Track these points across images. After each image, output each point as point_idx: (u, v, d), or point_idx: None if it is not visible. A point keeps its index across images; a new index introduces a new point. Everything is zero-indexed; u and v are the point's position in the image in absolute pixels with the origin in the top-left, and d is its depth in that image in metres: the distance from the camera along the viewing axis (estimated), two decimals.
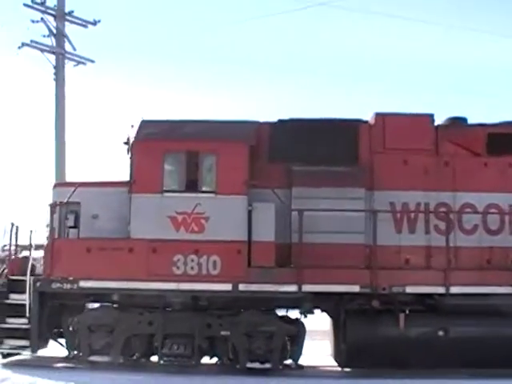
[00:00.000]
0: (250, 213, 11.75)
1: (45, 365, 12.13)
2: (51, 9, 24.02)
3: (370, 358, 11.69)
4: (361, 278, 11.64)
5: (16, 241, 12.72)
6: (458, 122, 12.77)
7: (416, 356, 11.52)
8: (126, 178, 12.21)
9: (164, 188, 11.91)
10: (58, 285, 11.75)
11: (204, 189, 11.94)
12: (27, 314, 11.76)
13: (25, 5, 23.49)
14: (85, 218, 12.21)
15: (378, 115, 12.59)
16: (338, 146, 12.29)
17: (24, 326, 11.84)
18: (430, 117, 12.61)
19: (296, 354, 12.08)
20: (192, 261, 11.66)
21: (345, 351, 11.89)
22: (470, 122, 12.97)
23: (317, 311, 12.56)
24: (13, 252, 12.64)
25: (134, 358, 12.13)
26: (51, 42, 24.05)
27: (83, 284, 11.71)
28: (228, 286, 11.60)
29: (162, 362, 11.86)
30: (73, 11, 24.58)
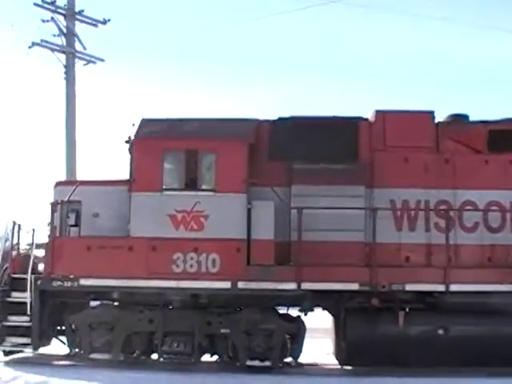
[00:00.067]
0: (249, 211, 11.76)
1: (47, 362, 12.21)
2: (61, 8, 24.20)
3: (369, 356, 11.67)
4: (360, 275, 11.60)
5: (18, 239, 12.80)
6: (459, 119, 12.69)
7: (415, 354, 11.48)
8: (127, 176, 12.27)
9: (163, 186, 11.95)
10: (59, 283, 11.83)
11: (203, 187, 11.96)
12: (28, 312, 11.84)
13: (35, 4, 23.71)
14: (86, 217, 12.28)
15: (378, 113, 12.55)
16: (337, 143, 12.25)
17: (25, 324, 11.93)
18: (431, 114, 12.55)
19: (296, 352, 12.10)
20: (191, 259, 11.69)
21: (345, 349, 11.88)
22: (474, 118, 12.92)
23: (318, 309, 12.58)
24: (15, 250, 12.70)
25: (135, 355, 12.17)
26: (61, 41, 24.25)
27: (84, 282, 11.77)
28: (227, 284, 11.62)
29: (161, 359, 11.91)
30: (83, 10, 24.78)
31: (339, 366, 12.42)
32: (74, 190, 12.08)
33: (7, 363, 12.03)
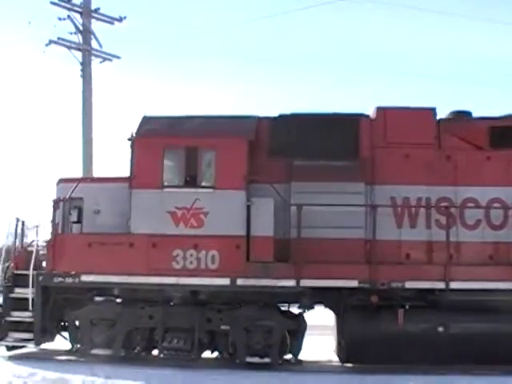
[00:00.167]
0: (248, 208, 11.77)
1: (48, 357, 12.32)
2: (78, 6, 24.34)
3: (368, 354, 11.63)
4: (360, 273, 11.57)
5: (22, 236, 12.95)
6: (461, 116, 12.59)
7: (415, 352, 11.41)
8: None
9: (164, 183, 12.01)
10: (60, 279, 11.95)
11: (203, 184, 12.01)
12: (30, 308, 11.97)
13: (51, 2, 23.86)
14: (87, 214, 12.39)
15: (379, 109, 12.50)
16: (338, 140, 12.21)
17: (28, 320, 12.07)
18: (432, 110, 12.46)
19: (296, 349, 12.09)
20: (191, 255, 11.74)
21: (344, 346, 11.85)
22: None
23: (319, 307, 12.57)
24: (18, 247, 12.85)
25: (136, 351, 12.25)
26: (78, 39, 24.40)
27: (85, 278, 11.88)
28: (226, 281, 11.64)
29: (161, 355, 11.97)
30: (99, 8, 24.90)
31: (340, 364, 12.38)
32: (75, 188, 12.18)
33: (21, 359, 12.09)
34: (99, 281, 11.89)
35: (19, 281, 12.32)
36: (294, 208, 11.75)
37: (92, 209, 12.37)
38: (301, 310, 12.48)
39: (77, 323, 12.22)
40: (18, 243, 12.93)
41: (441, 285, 11.49)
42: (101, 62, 25.07)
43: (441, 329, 11.49)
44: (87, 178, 12.69)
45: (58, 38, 24.01)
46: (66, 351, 12.52)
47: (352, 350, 11.76)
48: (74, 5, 24.28)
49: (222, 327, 11.89)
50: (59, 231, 12.36)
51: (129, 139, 12.70)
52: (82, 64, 24.38)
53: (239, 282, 11.63)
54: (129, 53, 50.28)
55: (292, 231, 11.79)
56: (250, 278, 11.61)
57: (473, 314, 11.41)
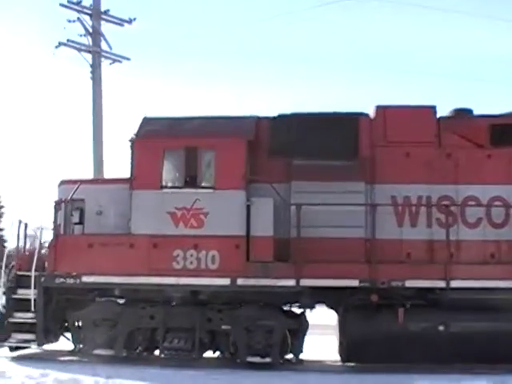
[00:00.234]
0: (248, 208, 11.79)
1: (51, 358, 12.40)
2: (87, 8, 24.42)
3: (369, 353, 11.60)
4: (360, 272, 11.55)
5: (25, 237, 13.05)
6: (461, 114, 12.52)
7: (416, 351, 11.37)
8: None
9: (164, 184, 12.07)
10: (62, 280, 12.04)
11: (203, 184, 12.04)
12: (32, 309, 12.05)
13: (61, 5, 23.98)
14: (89, 215, 12.48)
15: (379, 108, 12.47)
16: (338, 139, 12.19)
17: (30, 321, 12.15)
18: (432, 108, 12.41)
19: (297, 349, 12.08)
20: (191, 256, 11.78)
21: (345, 346, 11.83)
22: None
23: (321, 306, 12.57)
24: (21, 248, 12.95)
25: (137, 351, 12.31)
26: (87, 41, 24.49)
27: (86, 279, 11.95)
28: (226, 281, 11.67)
29: (163, 355, 12.01)
30: (108, 10, 25.00)
31: (341, 363, 12.34)
32: (76, 189, 12.26)
33: (24, 360, 12.18)
34: (100, 281, 11.96)
35: (22, 282, 12.42)
36: (293, 207, 11.75)
37: (94, 210, 12.46)
38: (302, 310, 12.50)
39: (79, 324, 12.27)
40: (21, 245, 13.01)
41: (441, 283, 11.43)
42: (110, 64, 25.17)
43: (441, 328, 11.43)
44: (88, 180, 12.74)
45: (68, 40, 24.12)
46: (69, 352, 12.59)
47: (352, 350, 11.74)
48: (84, 7, 24.39)
49: (223, 327, 11.91)
50: (61, 232, 12.44)
51: (129, 140, 12.81)
52: (91, 66, 24.47)
53: (239, 281, 11.65)
54: (138, 54, 50.54)
55: (292, 231, 11.79)
56: (250, 277, 11.63)
57: (473, 313, 11.35)
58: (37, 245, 12.88)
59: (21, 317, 12.24)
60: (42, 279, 12.16)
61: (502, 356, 11.22)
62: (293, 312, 12.53)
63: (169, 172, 12.21)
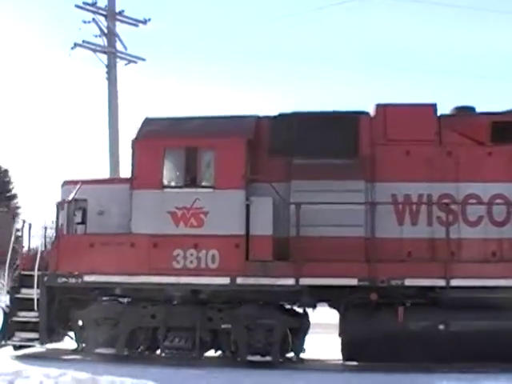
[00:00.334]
0: (247, 207, 11.82)
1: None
2: (102, 9, 24.65)
3: (369, 352, 11.57)
4: (359, 271, 11.51)
5: (29, 238, 13.20)
6: (462, 111, 12.44)
7: (416, 350, 11.32)
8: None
9: (164, 184, 12.14)
10: (64, 279, 12.15)
11: (203, 184, 12.08)
12: (35, 308, 12.18)
13: (76, 6, 24.23)
14: (91, 215, 12.59)
15: (379, 106, 12.43)
16: (338, 138, 12.17)
17: (34, 320, 12.28)
18: (433, 106, 12.35)
19: (297, 348, 12.09)
20: (191, 255, 11.83)
21: (345, 344, 11.81)
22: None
23: (324, 305, 12.56)
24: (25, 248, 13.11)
25: (139, 350, 12.39)
26: (103, 41, 24.73)
27: (87, 278, 12.06)
28: (226, 280, 11.70)
29: (164, 354, 12.09)
30: (123, 11, 25.21)
31: (342, 362, 12.31)
32: (77, 190, 12.38)
33: (28, 359, 12.26)
34: (101, 281, 12.06)
35: (26, 281, 12.54)
36: (293, 207, 11.76)
37: (96, 210, 12.57)
38: (306, 309, 12.52)
39: (81, 323, 12.39)
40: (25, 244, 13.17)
41: (441, 282, 11.36)
42: (126, 65, 25.40)
43: (441, 326, 11.36)
44: (91, 180, 12.82)
45: (83, 41, 24.37)
46: (72, 350, 12.70)
47: (353, 348, 11.72)
48: (99, 8, 24.61)
49: (223, 326, 11.94)
50: (64, 232, 12.57)
51: (132, 141, 12.90)
52: (107, 66, 24.69)
53: (239, 280, 11.69)
54: (153, 55, 50.82)
55: (291, 230, 11.80)
56: (250, 276, 11.65)
57: (474, 312, 11.25)
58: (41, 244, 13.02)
59: (24, 316, 12.37)
60: (45, 279, 12.27)
61: (502, 355, 11.11)
62: (294, 311, 12.54)
63: (169, 172, 12.28)
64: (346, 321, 11.78)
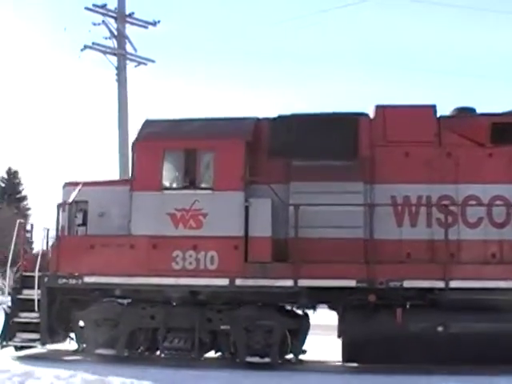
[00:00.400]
0: (246, 208, 11.84)
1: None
2: (112, 11, 24.82)
3: (368, 353, 11.56)
4: (358, 272, 11.50)
5: (31, 239, 13.30)
6: (463, 112, 12.39)
7: (414, 351, 11.29)
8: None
9: (163, 185, 12.18)
10: (64, 280, 12.23)
11: (202, 185, 12.11)
12: (36, 309, 12.27)
13: (86, 8, 24.43)
14: (92, 216, 12.66)
15: (379, 107, 12.42)
16: (337, 140, 12.16)
17: (35, 320, 12.36)
18: (433, 108, 12.32)
19: (297, 349, 12.09)
20: (190, 256, 11.86)
21: (344, 346, 11.79)
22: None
23: (324, 306, 12.56)
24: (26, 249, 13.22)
25: (139, 351, 12.45)
26: (112, 43, 24.86)
27: (87, 279, 12.13)
28: (225, 281, 11.72)
29: (163, 355, 12.13)
30: (133, 13, 25.35)
31: (342, 364, 12.29)
32: (78, 191, 12.47)
33: (30, 359, 12.35)
34: (101, 282, 12.13)
35: (27, 282, 12.63)
36: (291, 208, 11.77)
37: (96, 211, 12.63)
38: (306, 310, 12.52)
39: (81, 324, 12.46)
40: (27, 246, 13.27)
41: (440, 284, 11.33)
42: (136, 66, 25.53)
43: (440, 328, 11.32)
44: (91, 182, 12.90)
45: (93, 43, 24.54)
46: (73, 351, 12.78)
47: (352, 350, 11.70)
48: (109, 10, 24.78)
49: (222, 327, 11.97)
50: (65, 233, 12.65)
51: (132, 142, 12.98)
52: (117, 68, 24.83)
53: (238, 282, 11.71)
54: (163, 56, 51.01)
55: (290, 231, 11.81)
56: (249, 278, 11.68)
57: (473, 314, 11.22)
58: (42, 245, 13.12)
59: (26, 316, 12.45)
60: (46, 280, 12.36)
61: (501, 357, 11.07)
62: (294, 312, 12.55)
63: (168, 173, 12.33)
64: (345, 322, 11.77)
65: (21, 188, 46.41)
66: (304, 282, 11.60)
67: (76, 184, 12.89)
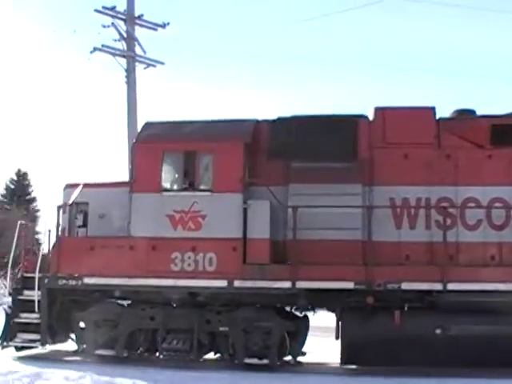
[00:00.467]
0: (245, 210, 11.87)
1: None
2: (121, 13, 24.89)
3: (366, 356, 11.54)
4: (356, 274, 11.50)
5: (32, 240, 13.38)
6: (463, 114, 12.36)
7: (413, 354, 11.27)
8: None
9: (163, 187, 12.22)
10: (64, 281, 12.29)
11: (201, 187, 12.15)
12: (36, 310, 12.34)
13: (96, 10, 24.54)
14: (93, 218, 12.72)
15: (378, 109, 12.41)
16: (336, 142, 12.17)
17: (36, 321, 12.44)
18: (432, 110, 12.29)
19: (295, 351, 12.10)
20: (189, 258, 11.89)
21: (343, 348, 11.78)
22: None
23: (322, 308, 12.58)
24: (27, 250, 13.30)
25: (138, 352, 12.49)
26: (122, 45, 24.96)
27: (87, 281, 12.19)
28: (223, 283, 11.75)
29: (162, 356, 12.18)
30: (142, 15, 25.43)
31: (340, 366, 12.27)
32: (78, 193, 12.54)
33: (30, 360, 12.39)
34: (101, 283, 12.18)
35: (28, 283, 12.71)
36: (290, 210, 11.78)
37: (97, 213, 12.69)
38: (306, 312, 12.54)
39: (81, 325, 12.52)
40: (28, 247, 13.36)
41: (438, 286, 11.30)
42: (145, 68, 25.61)
43: (438, 331, 11.29)
44: (92, 183, 12.97)
45: (103, 45, 24.63)
46: (73, 352, 12.85)
47: (350, 352, 11.68)
48: (118, 12, 24.86)
49: (221, 329, 12.00)
50: (66, 235, 12.72)
51: (132, 144, 13.04)
52: (126, 70, 24.91)
53: (236, 283, 11.73)
54: (172, 58, 51.11)
55: (288, 233, 11.83)
56: (247, 279, 11.70)
57: (471, 316, 11.18)
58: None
59: (26, 317, 12.53)
60: (46, 281, 12.43)
61: (500, 360, 11.03)
62: (293, 314, 12.56)
63: (168, 175, 12.38)
64: (343, 324, 11.76)
65: (30, 190, 46.59)
66: (302, 284, 11.61)
67: (76, 186, 12.96)
